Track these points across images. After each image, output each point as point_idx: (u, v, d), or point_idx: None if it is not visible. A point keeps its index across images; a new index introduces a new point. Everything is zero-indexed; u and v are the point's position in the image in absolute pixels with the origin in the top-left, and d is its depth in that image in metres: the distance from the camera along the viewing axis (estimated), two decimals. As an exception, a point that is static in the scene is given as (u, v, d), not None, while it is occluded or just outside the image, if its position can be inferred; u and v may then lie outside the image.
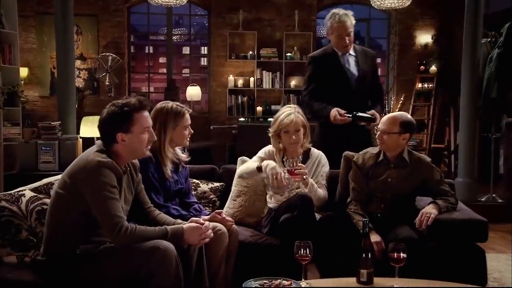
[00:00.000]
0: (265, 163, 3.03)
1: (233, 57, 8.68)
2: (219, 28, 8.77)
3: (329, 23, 3.76)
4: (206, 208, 3.28)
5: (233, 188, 3.39)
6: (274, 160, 3.19)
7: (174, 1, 6.82)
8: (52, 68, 8.21)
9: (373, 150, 3.20)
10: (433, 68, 8.63)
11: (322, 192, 3.18)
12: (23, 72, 8.01)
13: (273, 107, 8.50)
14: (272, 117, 3.58)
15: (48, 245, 2.39)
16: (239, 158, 3.49)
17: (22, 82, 7.72)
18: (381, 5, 6.90)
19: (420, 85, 8.78)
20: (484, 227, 2.93)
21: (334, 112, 3.61)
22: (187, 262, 2.51)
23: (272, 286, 2.17)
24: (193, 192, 3.26)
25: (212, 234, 2.54)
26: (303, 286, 2.25)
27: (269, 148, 3.33)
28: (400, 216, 3.01)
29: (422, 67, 8.76)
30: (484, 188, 6.04)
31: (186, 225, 2.49)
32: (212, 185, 3.47)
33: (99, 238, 2.38)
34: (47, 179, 2.81)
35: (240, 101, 8.74)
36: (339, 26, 3.70)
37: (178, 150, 3.04)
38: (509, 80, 5.72)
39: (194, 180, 3.42)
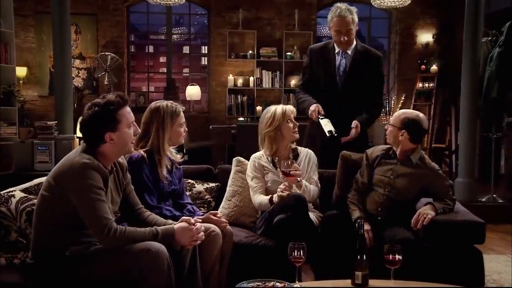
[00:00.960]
0: (274, 196, 3.04)
1: (232, 57, 8.64)
2: (219, 27, 8.74)
3: (329, 16, 3.63)
4: (201, 208, 3.25)
5: (228, 188, 3.35)
6: (263, 167, 3.21)
7: (173, 0, 6.79)
8: (51, 68, 8.16)
9: (385, 146, 3.20)
10: (434, 67, 8.57)
11: (314, 189, 3.22)
12: (22, 71, 8.00)
13: (273, 107, 8.44)
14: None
15: (36, 247, 2.35)
16: (234, 159, 3.45)
17: (21, 81, 7.74)
18: (382, 4, 6.88)
19: (420, 84, 8.73)
20: (481, 228, 2.90)
21: (314, 107, 3.51)
22: (180, 263, 2.48)
23: (265, 289, 2.13)
24: (188, 193, 3.24)
25: (203, 236, 2.51)
26: (296, 288, 2.22)
27: (255, 160, 3.27)
28: (398, 218, 2.96)
29: (423, 66, 8.71)
30: (484, 188, 6.00)
31: (176, 225, 2.45)
32: (208, 186, 3.43)
33: (88, 239, 2.34)
34: (38, 180, 2.75)
35: (239, 100, 8.68)
36: (338, 20, 3.56)
37: (172, 150, 3.01)
38: (509, 80, 5.67)
39: (189, 180, 3.38)
